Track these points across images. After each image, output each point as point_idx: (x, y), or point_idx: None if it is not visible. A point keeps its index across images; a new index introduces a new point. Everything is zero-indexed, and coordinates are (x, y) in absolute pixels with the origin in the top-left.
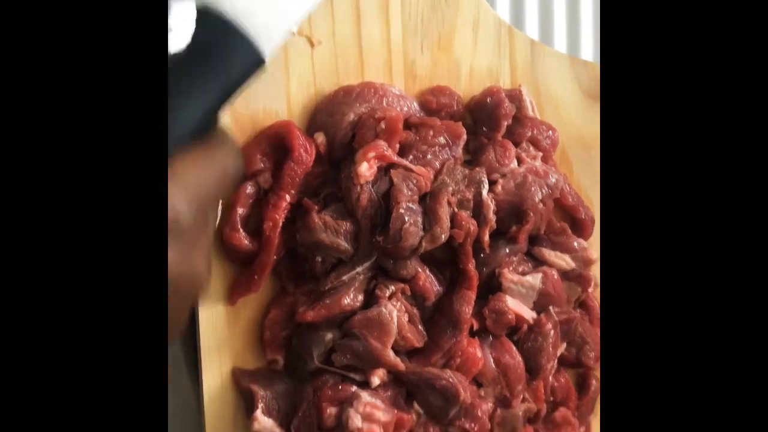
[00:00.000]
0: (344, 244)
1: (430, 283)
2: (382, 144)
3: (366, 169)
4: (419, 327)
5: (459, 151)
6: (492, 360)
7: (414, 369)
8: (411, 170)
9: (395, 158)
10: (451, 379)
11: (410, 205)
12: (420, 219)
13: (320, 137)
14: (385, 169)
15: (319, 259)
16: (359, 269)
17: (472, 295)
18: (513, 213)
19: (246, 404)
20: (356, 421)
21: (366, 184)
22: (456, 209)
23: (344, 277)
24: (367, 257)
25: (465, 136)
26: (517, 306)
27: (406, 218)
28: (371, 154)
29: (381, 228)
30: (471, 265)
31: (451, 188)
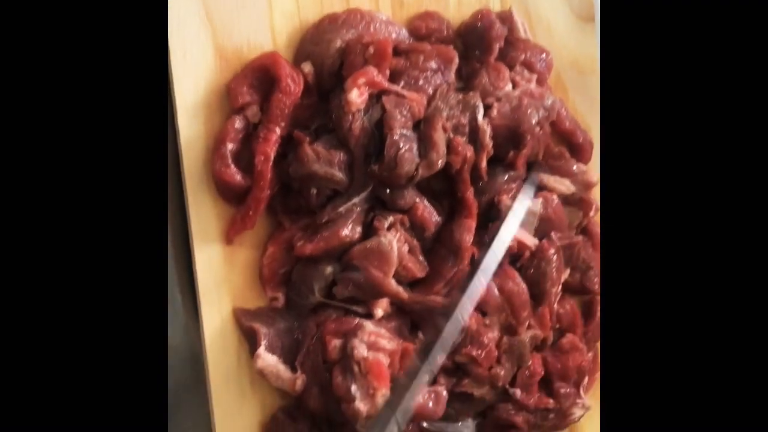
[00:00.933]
0: (339, 174)
1: (428, 213)
2: (372, 70)
3: (356, 96)
4: (420, 257)
5: (451, 75)
6: (495, 288)
7: (417, 298)
8: (403, 96)
9: (386, 84)
10: None
11: (404, 131)
12: (415, 145)
13: (307, 67)
14: (377, 96)
15: (314, 191)
16: (356, 200)
17: (472, 223)
18: (510, 138)
19: (249, 344)
20: (361, 350)
21: (357, 112)
22: (452, 135)
23: (341, 209)
24: (363, 187)
25: (457, 60)
26: (518, 233)
27: (401, 145)
28: (361, 80)
29: (375, 156)
30: (469, 193)
31: (445, 113)
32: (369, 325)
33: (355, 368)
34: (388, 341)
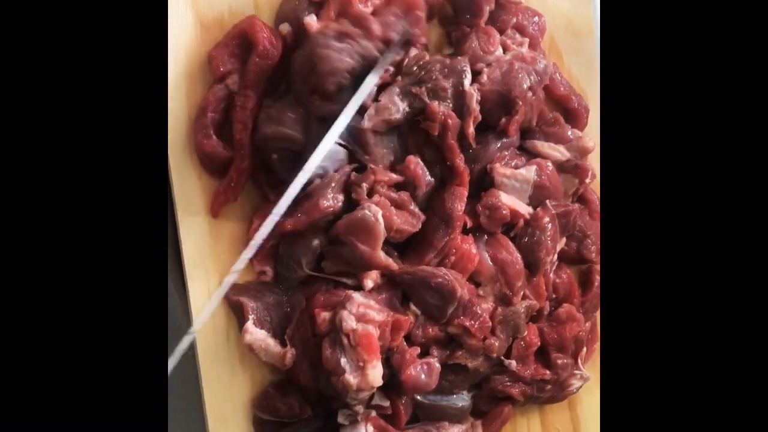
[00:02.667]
0: (287, 130)
1: (421, 169)
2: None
3: (313, 20)
4: (411, 206)
5: (417, 30)
6: (489, 257)
7: (407, 269)
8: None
9: (359, 7)
10: (446, 277)
11: (336, 43)
12: (345, 56)
13: (285, 27)
14: None
15: (275, 156)
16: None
17: (463, 191)
18: (501, 104)
19: (237, 318)
20: (350, 322)
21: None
22: (428, 100)
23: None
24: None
25: (421, 13)
26: (511, 201)
27: (320, 41)
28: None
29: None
30: (459, 160)
31: (421, 75)
32: (358, 296)
33: (345, 340)
34: (377, 313)
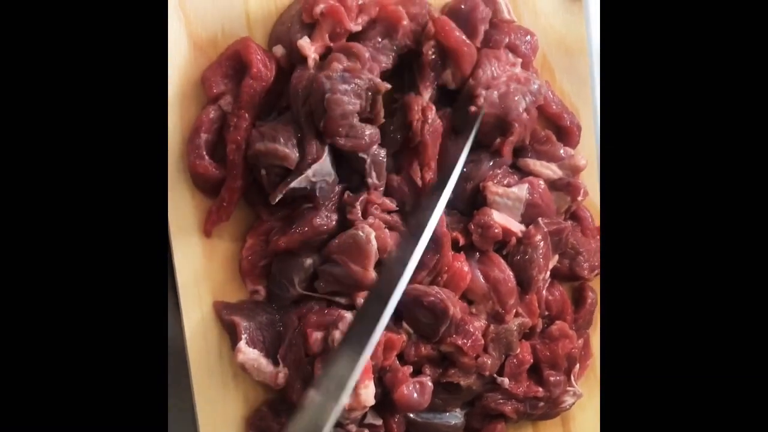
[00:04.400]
0: (282, 148)
1: (405, 185)
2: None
3: (307, 42)
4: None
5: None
6: (481, 275)
7: None
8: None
9: (350, 26)
10: (438, 295)
11: (344, 86)
12: (353, 98)
13: (279, 50)
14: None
15: (263, 172)
16: (308, 173)
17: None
18: (497, 125)
19: (230, 337)
20: None
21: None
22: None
23: (293, 184)
24: (315, 159)
25: (405, 21)
26: (503, 219)
27: (327, 86)
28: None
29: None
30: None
31: None
32: (350, 316)
33: None
34: None
